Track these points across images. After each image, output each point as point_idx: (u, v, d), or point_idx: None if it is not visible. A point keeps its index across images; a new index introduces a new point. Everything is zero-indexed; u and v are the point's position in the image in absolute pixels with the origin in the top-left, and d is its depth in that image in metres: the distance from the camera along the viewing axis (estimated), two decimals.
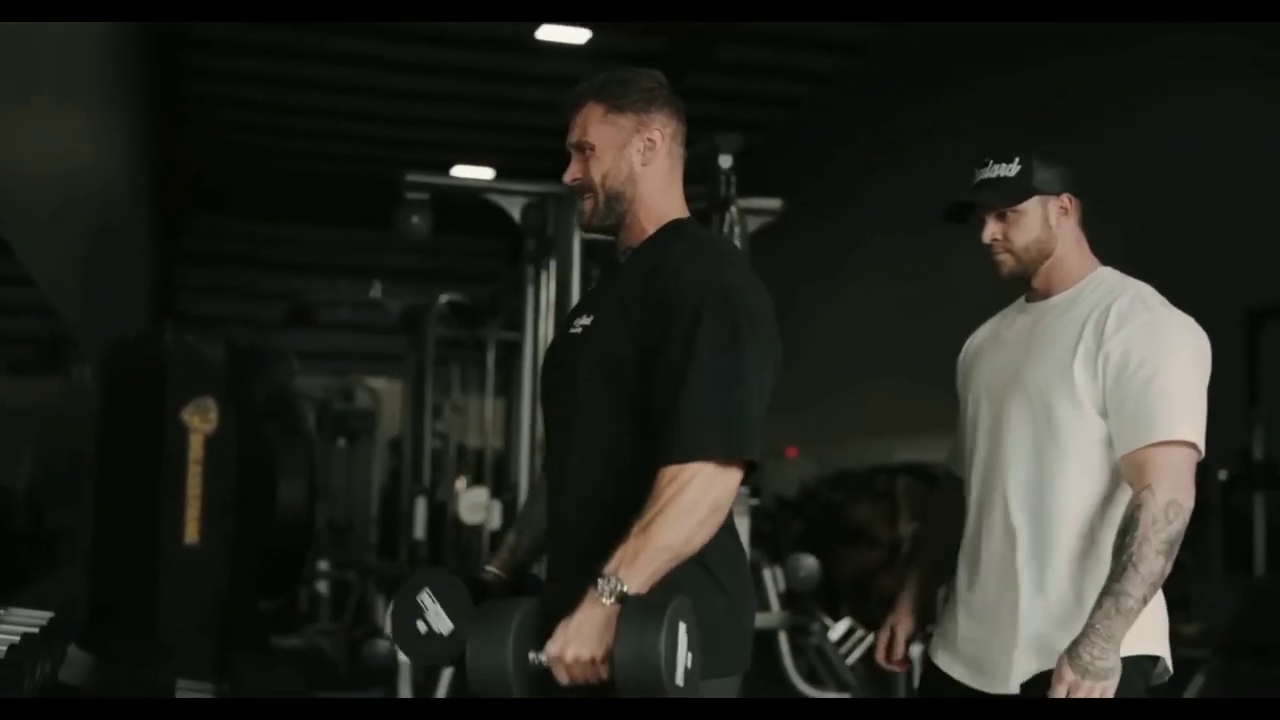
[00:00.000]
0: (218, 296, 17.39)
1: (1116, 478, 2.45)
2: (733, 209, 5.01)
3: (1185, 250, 10.07)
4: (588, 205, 2.35)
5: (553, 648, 2.02)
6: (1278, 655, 4.63)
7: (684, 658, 2.00)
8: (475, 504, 7.22)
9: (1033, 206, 2.56)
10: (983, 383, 2.64)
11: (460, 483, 8.47)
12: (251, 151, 16.80)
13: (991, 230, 2.58)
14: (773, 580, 5.83)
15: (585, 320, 2.30)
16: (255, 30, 12.60)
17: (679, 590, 2.11)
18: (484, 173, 14.71)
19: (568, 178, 2.36)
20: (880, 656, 2.83)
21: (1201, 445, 2.40)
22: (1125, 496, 2.42)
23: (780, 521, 14.28)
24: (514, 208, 5.65)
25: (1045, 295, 2.61)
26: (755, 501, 5.26)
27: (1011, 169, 2.56)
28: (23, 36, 4.37)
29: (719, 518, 2.10)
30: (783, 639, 5.79)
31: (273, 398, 7.81)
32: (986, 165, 2.59)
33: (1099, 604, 2.30)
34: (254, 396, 6.22)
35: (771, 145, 14.43)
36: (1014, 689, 2.45)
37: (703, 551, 2.14)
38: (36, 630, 3.11)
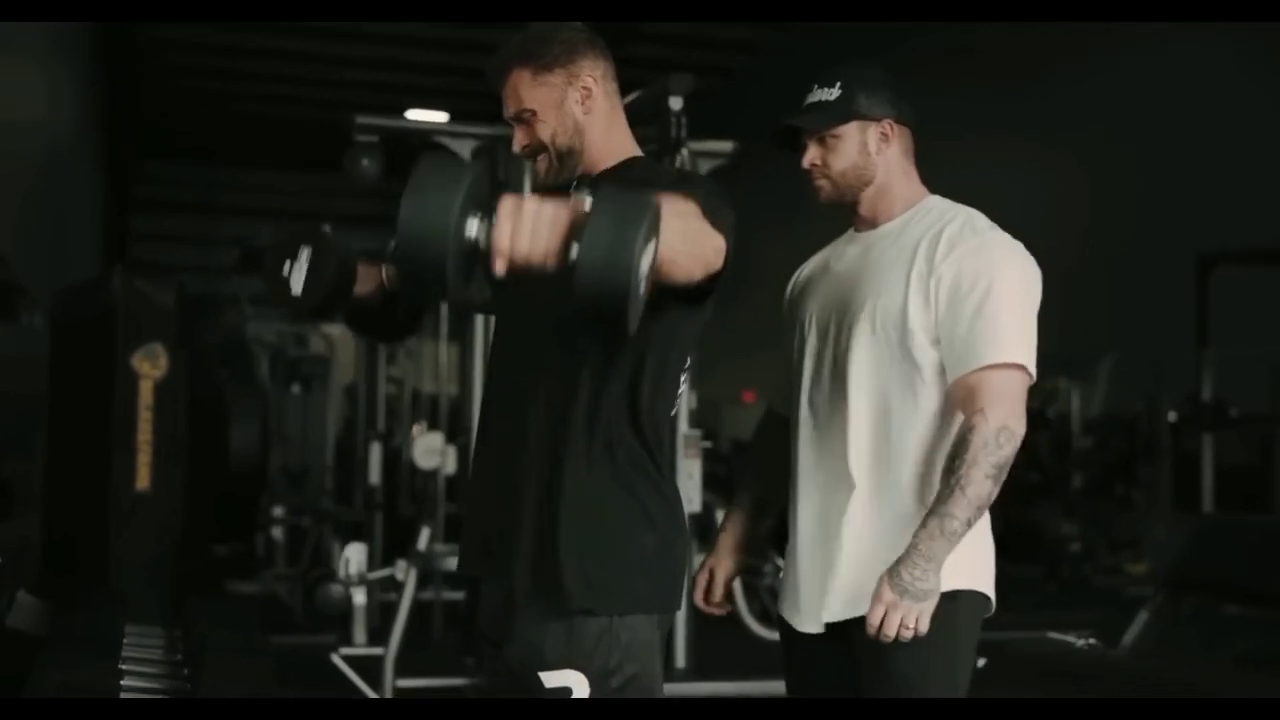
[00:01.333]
0: (172, 244, 17.24)
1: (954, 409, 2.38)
2: (684, 151, 5.00)
3: (1136, 194, 10.15)
4: (542, 165, 2.35)
5: (509, 200, 1.75)
6: (1220, 590, 4.71)
7: (646, 271, 1.77)
8: (430, 449, 7.23)
9: (851, 132, 2.48)
10: (814, 316, 2.56)
11: (416, 428, 8.47)
12: (204, 96, 16.59)
13: (810, 155, 2.51)
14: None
15: None
16: None
17: (606, 519, 2.13)
18: (439, 116, 14.59)
19: (517, 147, 2.35)
20: (699, 599, 2.71)
21: (1033, 368, 2.35)
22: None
23: (736, 465, 14.37)
24: (464, 150, 5.63)
25: (873, 225, 2.54)
26: (708, 444, 5.28)
27: (833, 93, 2.49)
28: None
29: (701, 261, 2.02)
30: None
31: (224, 344, 7.75)
32: (811, 90, 2.52)
33: (923, 524, 2.26)
34: (204, 342, 6.19)
35: (737, 88, 14.38)
36: (820, 628, 2.44)
37: (632, 484, 2.15)
38: None
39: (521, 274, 1.75)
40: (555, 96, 2.29)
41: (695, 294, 2.10)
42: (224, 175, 17.50)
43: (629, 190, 1.82)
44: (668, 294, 2.01)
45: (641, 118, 5.18)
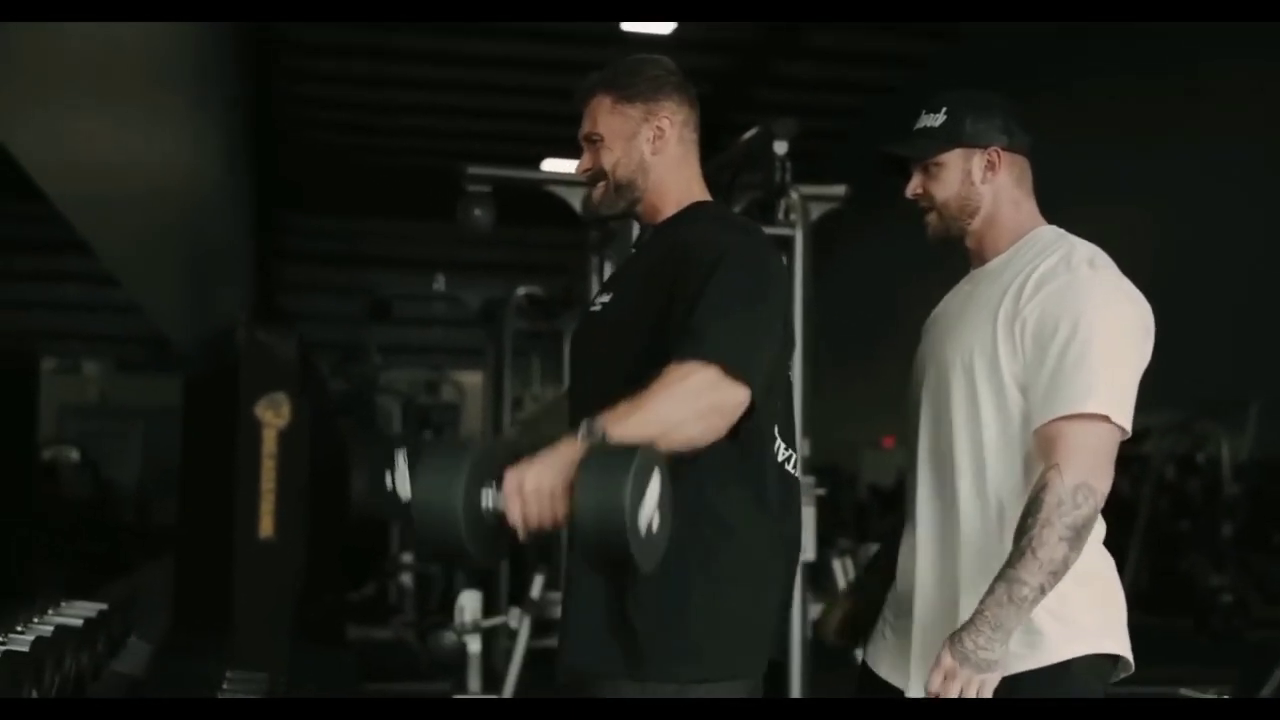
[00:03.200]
0: (313, 292, 17.66)
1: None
2: (792, 195, 4.94)
3: None
4: (597, 192, 2.34)
5: (510, 477, 1.88)
6: None
7: (651, 513, 1.84)
8: None
9: (955, 159, 2.32)
10: (925, 363, 2.39)
11: None
12: (343, 150, 17.04)
13: (913, 184, 2.36)
14: (842, 571, 5.76)
15: (605, 298, 2.30)
16: (346, 31, 12.78)
17: (676, 579, 2.07)
18: (573, 165, 14.74)
19: (578, 170, 2.35)
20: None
21: (1123, 420, 2.14)
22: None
23: (876, 510, 14.17)
24: (575, 199, 5.64)
25: (982, 260, 2.36)
26: (821, 492, 5.17)
27: (938, 119, 2.33)
28: (105, 40, 4.41)
29: (717, 423, 2.02)
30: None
31: (348, 393, 7.91)
32: (919, 116, 2.37)
33: (991, 589, 2.08)
34: (327, 391, 6.33)
35: (864, 130, 14.28)
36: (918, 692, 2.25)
37: (708, 541, 2.10)
38: (80, 623, 3.16)
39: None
40: (628, 129, 2.28)
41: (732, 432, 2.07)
42: (360, 225, 17.91)
43: (615, 448, 1.87)
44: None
45: (752, 163, 5.16)
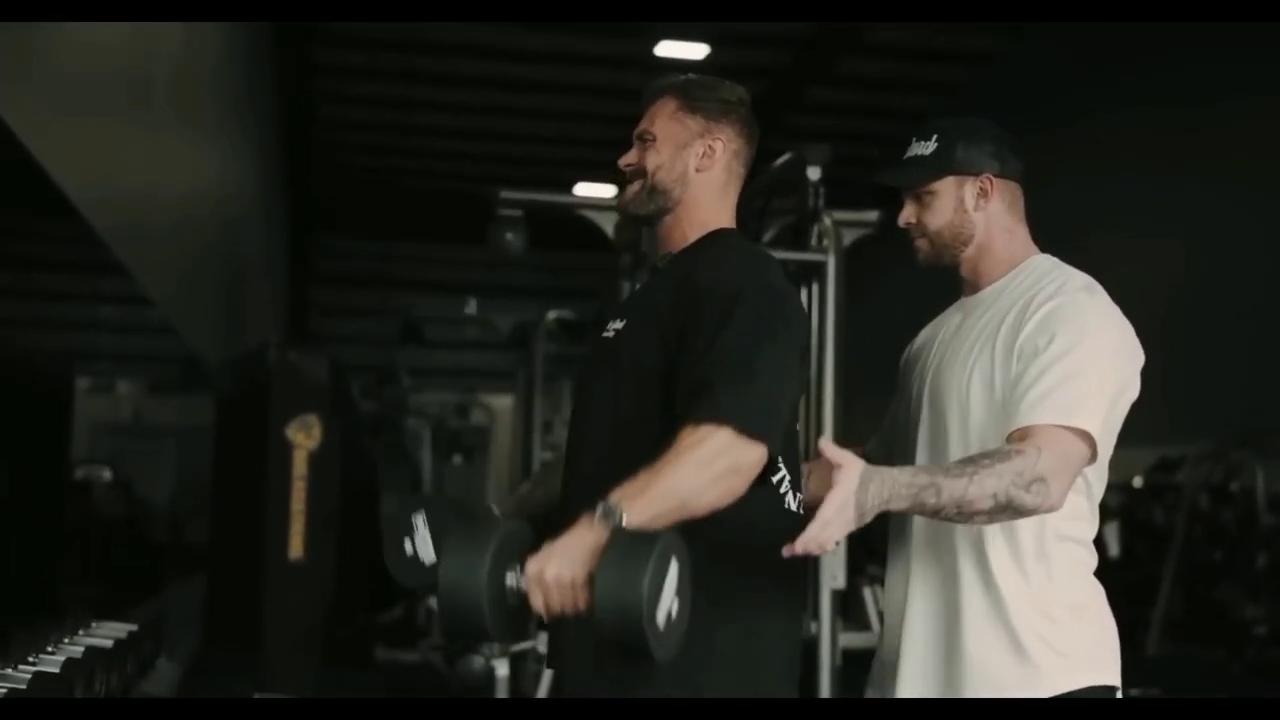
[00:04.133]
0: (344, 315, 17.74)
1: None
2: (825, 220, 4.93)
3: None
4: (631, 190, 2.33)
5: (532, 565, 1.90)
6: None
7: (670, 601, 1.85)
8: None
9: (947, 187, 2.33)
10: (918, 394, 2.39)
11: None
12: (376, 172, 17.12)
13: (905, 213, 2.37)
14: (873, 600, 5.72)
15: (618, 324, 2.28)
16: (379, 52, 12.85)
17: (718, 600, 2.07)
18: (606, 190, 14.79)
19: (623, 161, 2.35)
20: None
21: (1100, 441, 2.13)
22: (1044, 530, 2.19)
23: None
24: (607, 223, 5.64)
25: (976, 289, 2.37)
26: None
27: (929, 147, 2.34)
28: (139, 53, 4.42)
29: (735, 484, 2.00)
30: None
31: (378, 415, 7.94)
32: (911, 144, 2.38)
33: (914, 473, 2.02)
34: (359, 413, 6.33)
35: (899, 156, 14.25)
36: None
37: (713, 573, 2.06)
38: (110, 644, 3.17)
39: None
40: (683, 137, 2.29)
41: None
42: (394, 248, 17.98)
43: (634, 539, 1.86)
44: None
45: (786, 188, 5.14)
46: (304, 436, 5.76)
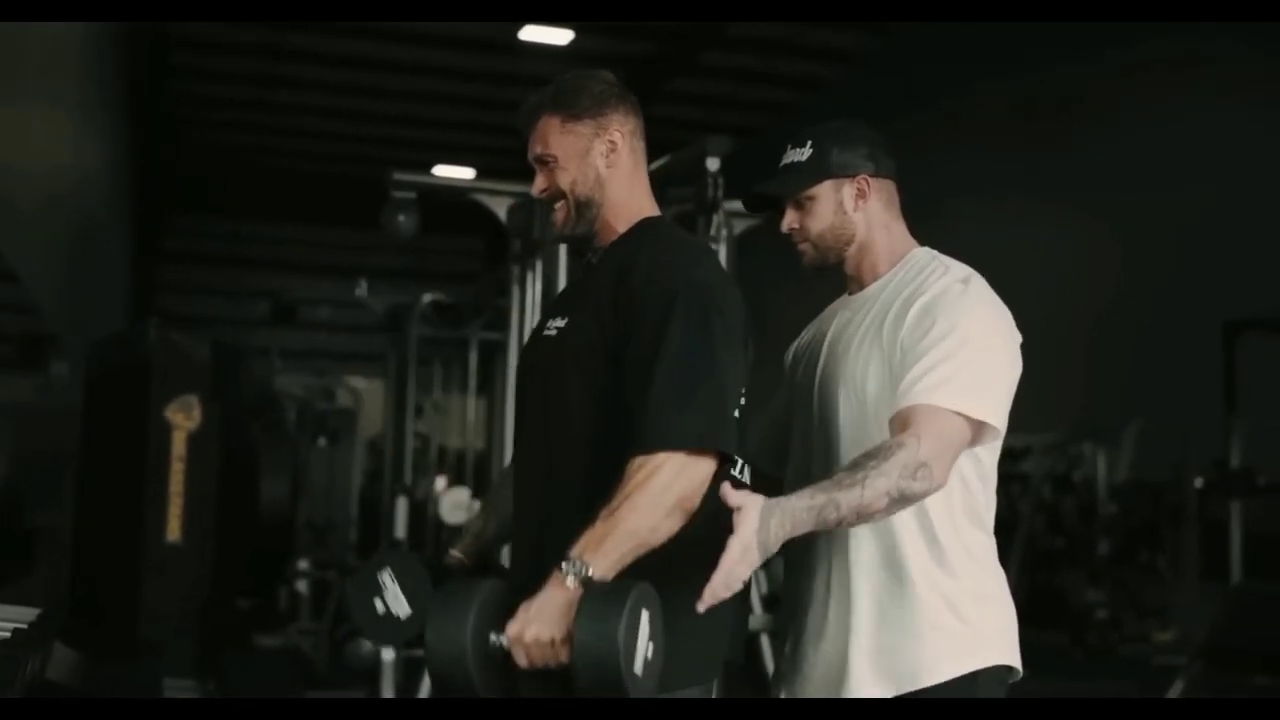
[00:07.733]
0: (199, 295, 17.35)
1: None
2: (719, 212, 5.01)
3: (1165, 261, 10.15)
4: (560, 215, 2.36)
5: (512, 628, 1.99)
6: (1256, 662, 4.67)
7: (645, 647, 1.95)
8: (457, 504, 7.22)
9: (825, 191, 2.38)
10: (807, 390, 2.44)
11: (440, 482, 8.46)
12: (235, 151, 16.77)
13: (787, 219, 2.40)
14: (755, 583, 5.84)
15: (560, 323, 2.30)
16: (239, 30, 12.59)
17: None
18: (465, 172, 14.71)
19: (535, 190, 2.36)
20: None
21: (997, 420, 2.20)
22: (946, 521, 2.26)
23: None
24: (499, 208, 5.64)
25: (861, 285, 2.43)
26: None
27: (804, 153, 2.38)
28: (5, 36, 4.35)
29: (688, 507, 2.06)
30: (765, 641, 5.79)
31: (255, 396, 7.77)
32: (785, 151, 2.41)
33: (809, 495, 2.02)
34: (237, 395, 6.21)
35: (764, 150, 14.46)
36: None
37: (672, 547, 2.08)
38: (25, 626, 3.10)
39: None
40: (580, 146, 2.31)
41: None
42: (253, 228, 17.64)
43: (615, 582, 1.98)
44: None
45: (677, 178, 5.22)
46: (183, 417, 5.65)
